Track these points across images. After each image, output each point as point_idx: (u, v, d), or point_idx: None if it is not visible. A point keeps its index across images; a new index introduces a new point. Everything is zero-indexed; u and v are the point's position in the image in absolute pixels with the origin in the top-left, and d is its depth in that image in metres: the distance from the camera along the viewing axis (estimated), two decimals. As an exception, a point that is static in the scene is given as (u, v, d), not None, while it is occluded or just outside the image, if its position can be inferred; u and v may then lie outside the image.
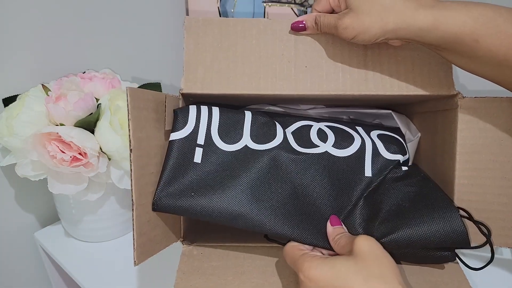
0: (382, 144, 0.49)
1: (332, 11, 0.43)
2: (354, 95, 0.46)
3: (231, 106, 0.49)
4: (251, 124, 0.47)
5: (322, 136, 0.48)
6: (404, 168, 0.49)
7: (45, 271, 0.69)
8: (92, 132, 0.52)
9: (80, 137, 0.49)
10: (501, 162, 0.45)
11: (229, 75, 0.46)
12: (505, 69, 0.34)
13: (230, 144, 0.46)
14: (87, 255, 0.60)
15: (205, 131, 0.45)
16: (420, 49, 0.46)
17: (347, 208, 0.45)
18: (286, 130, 0.48)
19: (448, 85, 0.46)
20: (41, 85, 0.54)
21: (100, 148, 0.51)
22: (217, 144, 0.45)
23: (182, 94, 0.47)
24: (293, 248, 0.40)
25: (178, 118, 0.45)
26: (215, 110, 0.47)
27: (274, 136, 0.46)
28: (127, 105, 0.39)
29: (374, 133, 0.51)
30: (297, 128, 0.49)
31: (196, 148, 0.45)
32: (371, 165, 0.47)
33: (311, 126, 0.49)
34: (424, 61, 0.46)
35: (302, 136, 0.48)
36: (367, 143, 0.48)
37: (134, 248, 0.39)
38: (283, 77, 0.46)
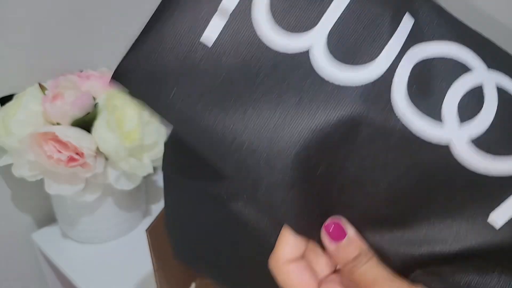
0: None
1: None
2: None
3: None
4: (346, 7, 0.22)
5: (470, 104, 0.21)
6: None
7: (42, 273, 0.68)
8: (90, 131, 0.51)
9: (77, 136, 0.48)
10: None
11: None
12: None
13: (286, 31, 0.22)
14: (85, 257, 0.59)
15: None
16: None
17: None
18: (411, 49, 0.22)
19: None
20: (38, 84, 0.54)
21: (98, 148, 0.51)
22: (254, 26, 0.22)
23: None
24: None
25: None
26: None
27: (374, 52, 0.21)
28: None
29: None
30: (435, 56, 0.22)
31: (214, 17, 0.22)
32: None
33: (468, 70, 0.21)
34: None
35: (431, 76, 0.22)
36: None
37: None
38: None
